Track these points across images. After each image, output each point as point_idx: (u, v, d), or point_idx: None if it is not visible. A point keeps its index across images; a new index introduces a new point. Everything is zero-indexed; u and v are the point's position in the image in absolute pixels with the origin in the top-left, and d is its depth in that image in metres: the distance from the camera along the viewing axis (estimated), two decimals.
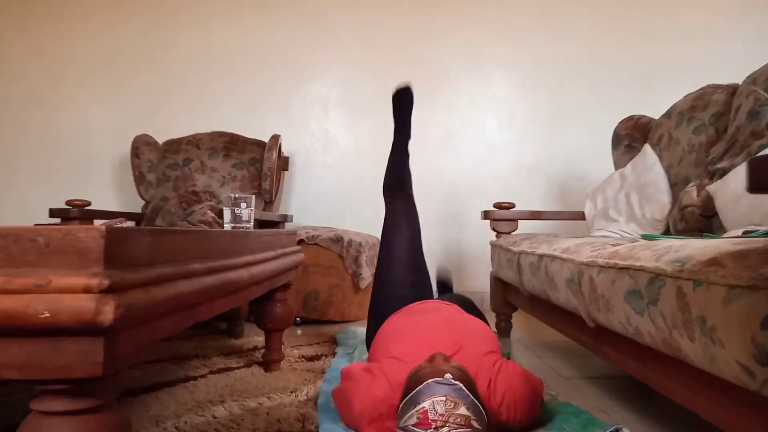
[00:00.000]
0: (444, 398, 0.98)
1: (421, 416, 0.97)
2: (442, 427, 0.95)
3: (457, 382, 1.01)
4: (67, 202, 2.41)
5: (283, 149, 3.02)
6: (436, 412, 0.96)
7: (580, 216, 2.42)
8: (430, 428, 0.96)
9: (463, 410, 0.97)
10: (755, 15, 3.22)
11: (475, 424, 0.98)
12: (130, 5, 3.28)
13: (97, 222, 2.26)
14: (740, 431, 0.81)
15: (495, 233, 2.46)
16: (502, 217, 2.43)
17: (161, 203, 2.78)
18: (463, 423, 0.96)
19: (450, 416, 0.96)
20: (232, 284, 0.98)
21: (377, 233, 1.98)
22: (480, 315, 1.62)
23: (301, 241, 2.53)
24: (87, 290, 0.55)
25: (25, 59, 3.28)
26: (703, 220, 1.72)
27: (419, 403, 0.99)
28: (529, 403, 1.17)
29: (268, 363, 1.69)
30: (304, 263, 1.93)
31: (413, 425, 0.98)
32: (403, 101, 2.00)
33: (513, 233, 2.40)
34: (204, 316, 0.88)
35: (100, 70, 3.28)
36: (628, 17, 3.26)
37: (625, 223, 2.11)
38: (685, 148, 2.02)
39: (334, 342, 2.11)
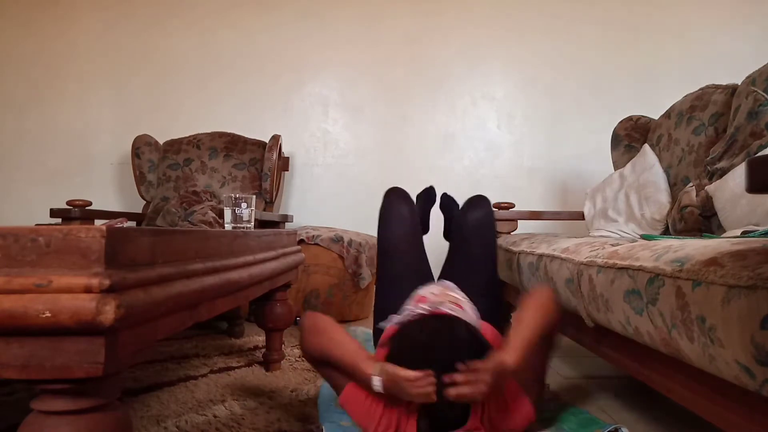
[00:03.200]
0: (439, 288, 0.97)
1: (416, 300, 0.96)
2: (440, 304, 0.94)
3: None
4: (68, 202, 2.41)
5: (283, 149, 3.02)
6: (432, 294, 0.96)
7: (580, 216, 2.42)
8: (427, 301, 0.95)
9: (459, 295, 0.97)
10: (755, 15, 3.22)
11: (469, 312, 0.96)
12: (131, 5, 3.28)
13: (98, 222, 2.26)
14: (740, 431, 0.81)
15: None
16: (501, 217, 2.43)
17: (162, 203, 2.79)
18: (459, 303, 0.95)
19: (446, 298, 0.95)
20: (233, 284, 0.98)
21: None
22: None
23: (301, 241, 2.53)
24: (88, 290, 0.55)
25: (26, 59, 3.28)
26: (703, 220, 1.72)
27: (411, 299, 0.97)
28: (511, 423, 1.11)
29: (269, 362, 1.69)
30: (305, 263, 1.93)
31: (410, 308, 0.96)
32: (424, 200, 2.07)
33: (512, 233, 2.40)
34: (204, 316, 0.88)
35: (101, 70, 3.28)
36: (628, 17, 3.26)
37: (625, 223, 2.11)
38: (685, 149, 2.03)
39: None
